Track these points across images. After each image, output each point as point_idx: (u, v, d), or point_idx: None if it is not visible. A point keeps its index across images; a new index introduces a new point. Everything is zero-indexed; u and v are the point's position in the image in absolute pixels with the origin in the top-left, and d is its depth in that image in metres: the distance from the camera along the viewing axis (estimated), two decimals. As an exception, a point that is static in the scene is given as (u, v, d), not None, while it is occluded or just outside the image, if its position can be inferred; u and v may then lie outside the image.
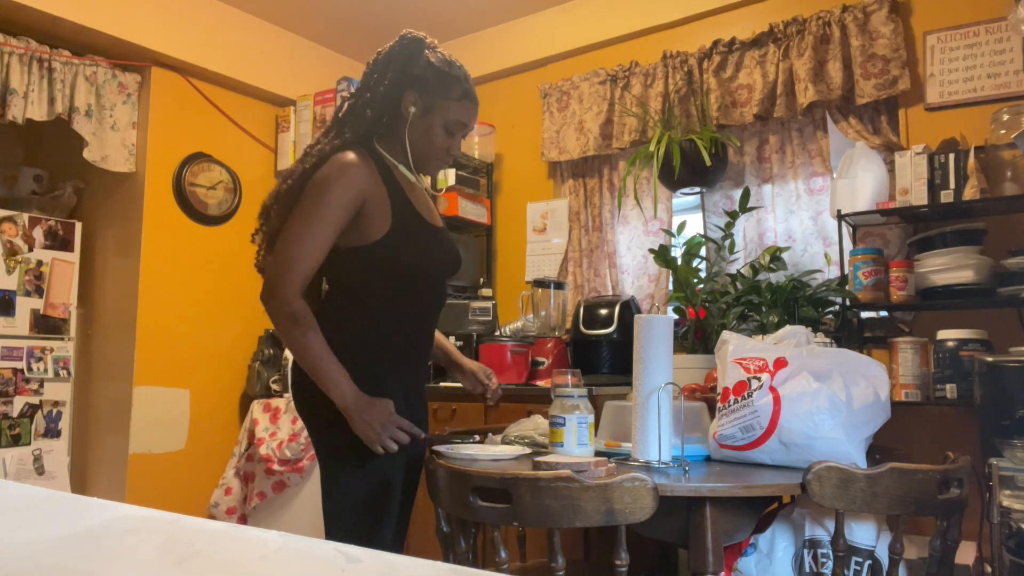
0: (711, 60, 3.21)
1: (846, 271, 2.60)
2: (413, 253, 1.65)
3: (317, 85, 4.07)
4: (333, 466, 1.63)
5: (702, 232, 3.23)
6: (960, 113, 2.70)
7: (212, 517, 3.51)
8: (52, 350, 3.39)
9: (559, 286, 3.29)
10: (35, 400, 3.32)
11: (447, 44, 4.17)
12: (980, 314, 2.53)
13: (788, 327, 1.78)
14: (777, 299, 2.33)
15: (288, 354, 3.62)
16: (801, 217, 3.05)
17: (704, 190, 3.23)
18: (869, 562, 1.53)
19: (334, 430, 1.61)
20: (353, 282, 1.64)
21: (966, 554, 2.11)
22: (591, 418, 1.60)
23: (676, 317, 2.63)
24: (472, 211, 3.76)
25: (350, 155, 1.59)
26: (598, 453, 1.64)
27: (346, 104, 1.70)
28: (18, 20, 3.21)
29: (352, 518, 1.60)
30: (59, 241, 3.45)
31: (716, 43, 3.19)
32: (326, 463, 1.64)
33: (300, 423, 3.43)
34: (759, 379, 1.55)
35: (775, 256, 2.46)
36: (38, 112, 3.24)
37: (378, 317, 1.64)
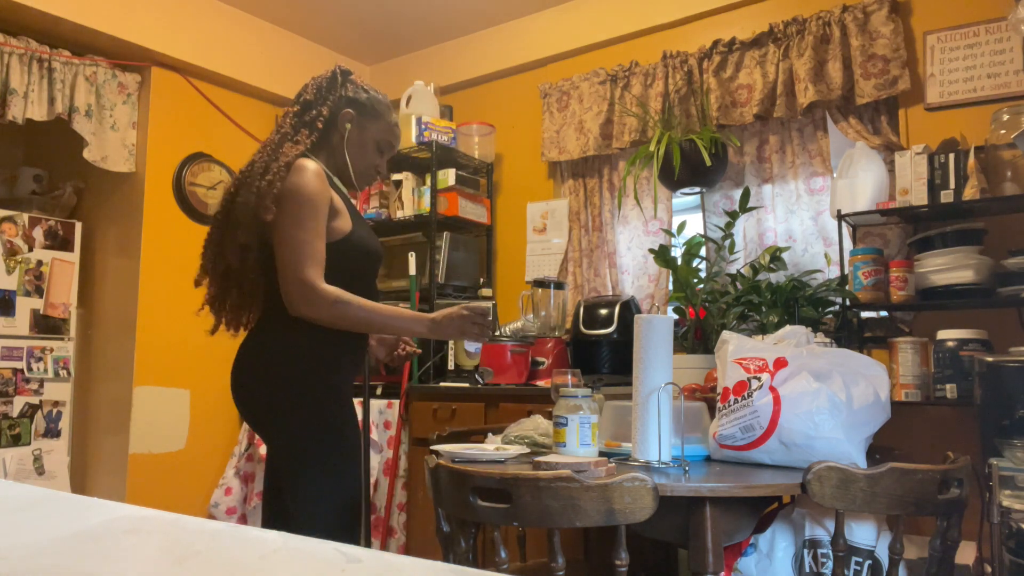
0: (711, 60, 3.21)
1: (846, 271, 2.60)
2: (369, 253, 1.81)
3: (317, 85, 4.06)
4: (305, 482, 1.66)
5: (702, 232, 3.23)
6: (960, 113, 2.70)
7: (212, 517, 3.51)
8: (52, 350, 3.39)
9: (559, 286, 3.29)
10: (35, 400, 3.32)
11: (447, 44, 4.17)
12: (980, 314, 2.53)
13: (788, 327, 1.78)
14: (777, 299, 2.33)
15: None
16: (801, 217, 3.05)
17: (704, 190, 3.23)
18: (869, 562, 1.53)
19: (305, 445, 1.66)
20: None
21: (966, 554, 2.11)
22: (594, 418, 1.60)
23: (676, 317, 2.63)
24: (472, 211, 3.76)
25: (314, 162, 1.72)
26: (599, 453, 1.64)
27: (294, 116, 1.82)
28: (18, 20, 3.21)
29: (327, 531, 1.63)
30: (59, 241, 3.45)
31: (716, 43, 3.19)
32: (298, 479, 1.66)
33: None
34: (759, 379, 1.55)
35: (775, 256, 2.46)
36: (38, 112, 3.24)
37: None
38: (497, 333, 3.35)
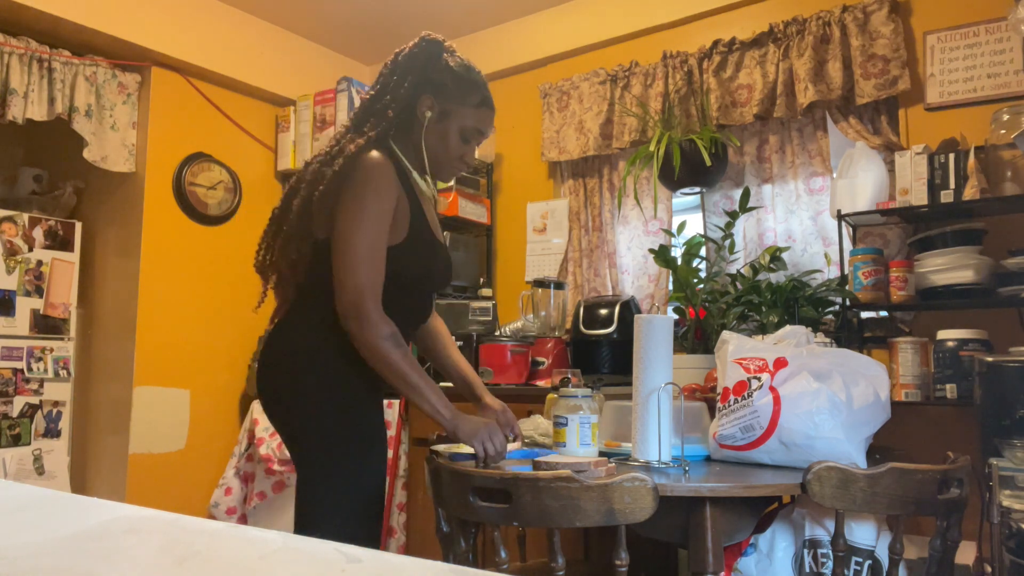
0: (711, 60, 3.21)
1: (846, 271, 2.60)
2: (420, 266, 1.64)
3: (317, 85, 4.07)
4: (324, 483, 1.59)
5: (702, 232, 3.23)
6: (960, 113, 2.70)
7: (212, 517, 3.51)
8: (52, 350, 3.39)
9: (559, 286, 3.29)
10: (35, 400, 3.32)
11: (447, 44, 4.17)
12: (980, 314, 2.53)
13: (788, 327, 1.78)
14: (777, 299, 2.33)
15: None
16: (801, 217, 3.05)
17: (704, 190, 3.23)
18: (869, 562, 1.53)
19: (317, 443, 1.59)
20: None
21: (966, 554, 2.11)
22: (594, 418, 1.60)
23: (676, 317, 2.63)
24: (472, 211, 3.76)
25: (381, 156, 1.56)
26: (599, 453, 1.64)
27: (365, 104, 1.67)
28: (18, 20, 3.21)
29: (348, 533, 1.58)
30: (59, 241, 3.45)
31: (716, 43, 3.19)
32: (318, 481, 1.59)
33: (300, 423, 3.42)
34: (759, 379, 1.55)
35: (775, 256, 2.46)
36: (38, 112, 3.24)
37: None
38: (497, 333, 3.35)
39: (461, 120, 1.66)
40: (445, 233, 3.64)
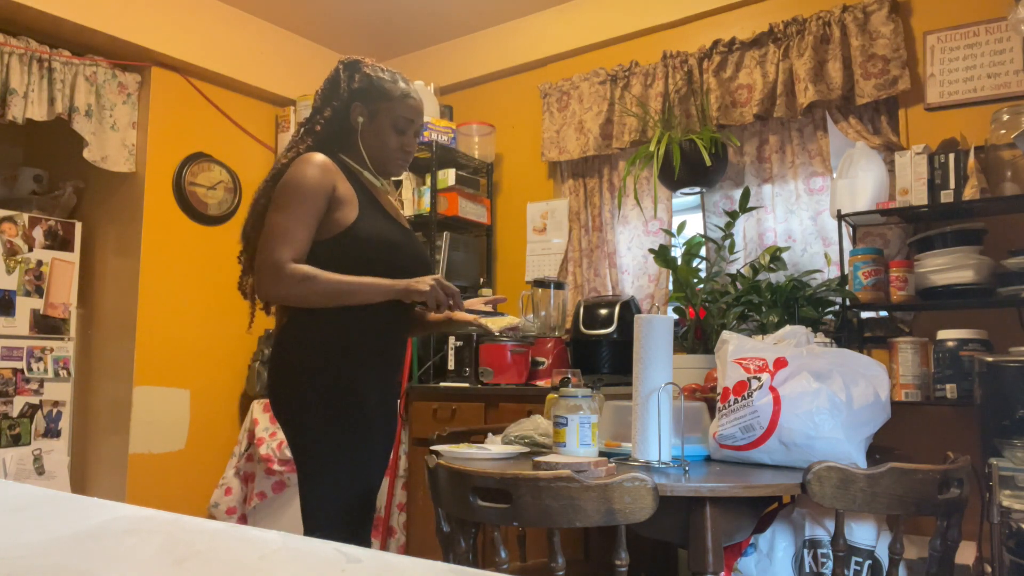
0: (711, 60, 3.21)
1: (846, 271, 2.60)
2: (380, 243, 1.73)
3: (317, 85, 3.96)
4: (315, 474, 1.66)
5: (702, 232, 3.23)
6: (960, 113, 2.70)
7: (212, 517, 3.51)
8: (52, 350, 3.39)
9: (559, 286, 3.29)
10: (35, 400, 3.32)
11: (447, 44, 4.18)
12: (980, 314, 2.53)
13: (788, 327, 1.78)
14: (777, 299, 2.32)
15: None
16: (801, 217, 3.04)
17: (704, 190, 3.23)
18: (869, 562, 1.53)
19: (316, 438, 1.66)
20: None
21: (966, 554, 2.11)
22: (594, 418, 1.60)
23: (676, 317, 2.63)
24: (472, 211, 3.76)
25: (311, 155, 1.71)
26: (599, 453, 1.64)
27: (299, 125, 1.84)
28: (18, 20, 3.21)
29: (337, 526, 1.63)
30: (59, 241, 3.45)
31: (716, 43, 3.19)
32: (308, 471, 1.67)
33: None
34: (759, 379, 1.55)
35: (775, 256, 2.46)
36: (38, 112, 3.24)
37: (349, 311, 1.68)
38: (498, 333, 3.35)
39: (390, 114, 1.79)
40: (444, 233, 3.65)
